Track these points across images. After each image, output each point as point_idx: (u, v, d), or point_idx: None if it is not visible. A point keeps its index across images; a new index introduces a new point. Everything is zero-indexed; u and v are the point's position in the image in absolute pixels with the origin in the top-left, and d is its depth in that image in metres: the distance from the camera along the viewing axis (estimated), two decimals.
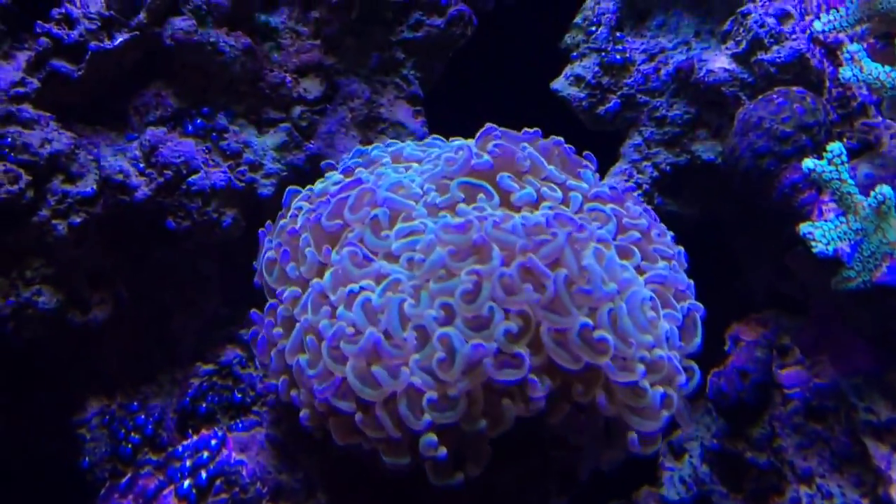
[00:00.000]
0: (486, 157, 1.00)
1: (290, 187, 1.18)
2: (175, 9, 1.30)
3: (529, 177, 1.00)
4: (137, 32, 1.28)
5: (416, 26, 1.54)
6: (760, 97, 1.22)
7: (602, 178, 1.48)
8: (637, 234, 0.97)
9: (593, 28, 1.44)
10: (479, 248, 0.88)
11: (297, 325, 0.96)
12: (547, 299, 0.86)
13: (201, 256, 1.43)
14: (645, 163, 1.39)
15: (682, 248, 1.05)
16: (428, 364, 0.86)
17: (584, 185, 1.02)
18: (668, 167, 1.38)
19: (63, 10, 1.28)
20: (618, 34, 1.44)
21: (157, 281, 1.43)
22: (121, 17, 1.28)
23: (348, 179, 1.05)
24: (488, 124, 1.11)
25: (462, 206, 0.95)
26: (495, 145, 1.02)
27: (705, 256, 1.26)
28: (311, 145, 1.44)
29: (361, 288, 0.92)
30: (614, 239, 0.95)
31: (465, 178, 1.00)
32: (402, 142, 1.50)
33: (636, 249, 0.95)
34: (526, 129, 1.14)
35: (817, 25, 1.21)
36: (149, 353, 1.39)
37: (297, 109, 1.45)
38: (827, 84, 1.26)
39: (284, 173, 1.40)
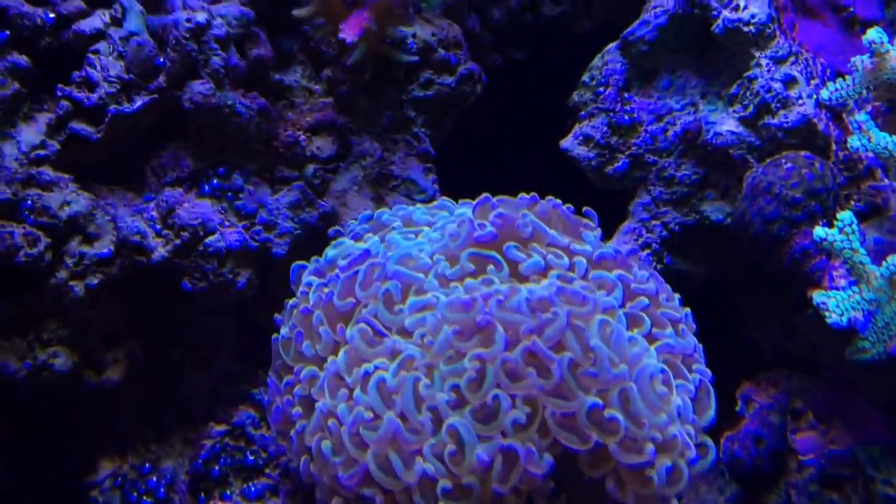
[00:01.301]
0: (490, 227, 1.02)
1: (296, 263, 1.19)
2: (194, 72, 1.32)
3: (534, 243, 1.02)
4: (156, 96, 1.31)
5: (426, 85, 1.57)
6: (769, 161, 1.24)
7: (611, 235, 1.50)
8: (646, 301, 0.98)
9: (601, 89, 1.47)
10: (483, 330, 0.89)
11: (316, 407, 0.96)
12: (552, 385, 0.88)
13: (212, 312, 1.44)
14: (654, 222, 1.41)
15: (689, 311, 1.06)
16: (441, 451, 0.88)
17: (588, 248, 1.03)
18: (676, 227, 1.40)
19: (83, 74, 1.31)
20: (626, 95, 1.46)
21: (169, 337, 1.44)
22: (140, 80, 1.30)
23: (357, 252, 1.06)
24: (484, 195, 1.13)
25: (470, 280, 0.96)
26: (496, 215, 1.04)
27: (713, 313, 1.27)
28: (324, 203, 1.46)
29: (376, 367, 0.93)
30: (622, 306, 0.97)
31: (473, 249, 1.01)
32: (413, 200, 1.53)
33: (645, 316, 0.97)
34: (523, 194, 1.16)
35: (824, 94, 1.24)
36: (161, 411, 1.39)
37: (311, 168, 1.47)
38: (833, 147, 1.28)
39: (298, 231, 1.41)
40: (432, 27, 1.60)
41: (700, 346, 1.05)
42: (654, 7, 1.46)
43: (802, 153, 1.23)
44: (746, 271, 1.34)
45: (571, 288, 0.93)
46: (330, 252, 1.16)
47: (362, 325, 0.96)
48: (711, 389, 1.00)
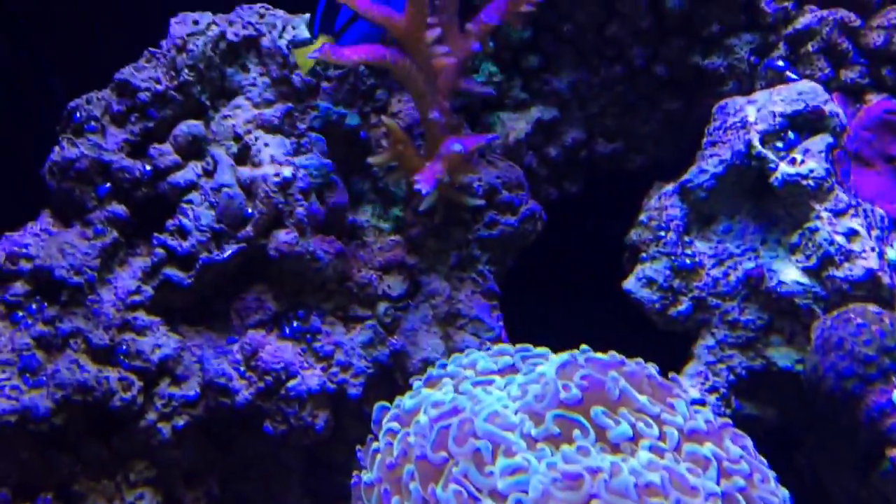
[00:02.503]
0: (575, 390, 1.05)
1: (380, 403, 1.23)
2: (279, 222, 1.40)
3: (622, 409, 1.04)
4: (244, 245, 1.39)
5: (491, 225, 1.64)
6: (837, 314, 1.28)
7: (677, 376, 1.52)
8: (741, 482, 0.99)
9: (662, 233, 1.53)
10: None
11: None
12: None
13: (284, 448, 1.47)
14: (720, 366, 1.44)
15: (786, 493, 1.07)
16: None
17: (679, 420, 1.05)
18: (743, 371, 1.42)
19: (177, 223, 1.39)
20: (686, 239, 1.52)
21: (241, 471, 1.47)
22: (230, 229, 1.39)
23: (446, 405, 1.09)
24: (569, 355, 1.15)
25: (567, 448, 0.98)
26: (582, 377, 1.07)
27: (784, 458, 1.28)
28: (395, 342, 1.51)
29: None
30: (717, 484, 0.98)
31: (558, 411, 1.04)
32: (481, 338, 1.57)
33: (742, 500, 0.97)
34: (614, 353, 1.18)
35: (891, 254, 1.28)
36: None
37: (382, 307, 1.53)
38: None
39: (371, 370, 1.46)
40: (496, 170, 1.69)
41: None
42: (711, 155, 1.53)
43: (871, 307, 1.26)
44: (819, 419, 1.35)
45: (678, 471, 0.95)
46: (408, 402, 1.19)
47: (455, 486, 0.99)
48: None
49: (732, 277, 1.46)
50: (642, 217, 1.63)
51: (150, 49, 1.47)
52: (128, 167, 1.40)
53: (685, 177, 1.56)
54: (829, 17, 1.59)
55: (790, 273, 1.38)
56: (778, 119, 1.45)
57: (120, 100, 1.43)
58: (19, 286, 1.33)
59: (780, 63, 1.62)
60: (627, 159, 1.99)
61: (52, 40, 1.90)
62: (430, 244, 1.60)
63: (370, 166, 1.61)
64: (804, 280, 1.37)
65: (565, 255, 1.99)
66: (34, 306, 1.31)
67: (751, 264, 1.45)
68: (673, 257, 1.51)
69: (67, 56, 1.88)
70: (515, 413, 1.07)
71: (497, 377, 1.17)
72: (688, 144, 1.92)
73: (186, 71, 1.45)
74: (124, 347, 1.28)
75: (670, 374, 1.22)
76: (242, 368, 1.35)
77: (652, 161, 1.99)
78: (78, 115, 1.40)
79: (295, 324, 1.41)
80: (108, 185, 1.39)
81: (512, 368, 1.21)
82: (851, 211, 1.36)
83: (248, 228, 1.39)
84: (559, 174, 1.98)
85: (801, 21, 1.61)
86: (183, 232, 1.38)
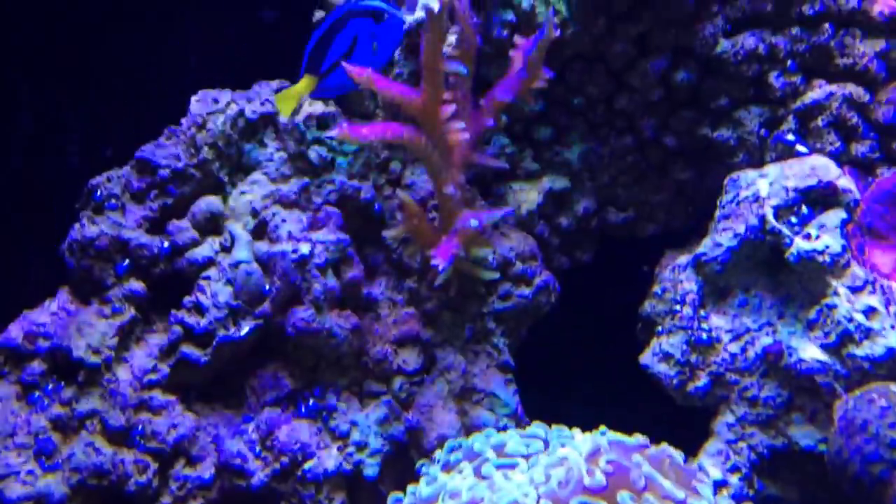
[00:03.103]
0: (600, 476, 1.04)
1: (394, 495, 1.21)
2: (297, 299, 1.40)
3: (648, 495, 1.03)
4: (261, 322, 1.39)
5: (506, 297, 1.64)
6: (860, 394, 1.27)
7: (695, 453, 1.50)
8: None
9: (678, 307, 1.52)
10: None
11: None
12: None
13: None
14: (741, 444, 1.42)
15: None
16: None
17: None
18: (765, 451, 1.41)
19: (195, 300, 1.40)
20: (702, 313, 1.52)
21: None
22: (247, 306, 1.39)
23: (465, 497, 1.08)
24: (595, 441, 1.14)
25: None
26: (608, 461, 1.06)
27: None
28: (410, 418, 1.49)
29: None
30: None
31: (583, 497, 1.03)
32: (496, 413, 1.56)
33: None
34: (639, 435, 1.17)
35: None
36: None
37: (398, 382, 1.52)
38: None
39: (386, 448, 1.44)
40: (510, 241, 1.70)
41: None
42: (724, 229, 1.54)
43: (893, 387, 1.25)
44: (840, 500, 1.33)
45: None
46: (425, 490, 1.17)
47: None
48: None
49: (751, 353, 1.45)
50: (656, 289, 1.63)
51: (171, 127, 1.49)
52: (146, 244, 1.41)
53: (699, 250, 1.56)
54: (838, 92, 1.61)
55: (809, 350, 1.37)
56: (791, 194, 1.46)
57: (140, 177, 1.45)
58: (36, 365, 1.32)
59: (791, 136, 1.64)
60: (639, 228, 2.00)
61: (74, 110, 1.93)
62: (445, 317, 1.60)
63: (384, 239, 1.62)
64: (824, 358, 1.36)
65: (579, 325, 1.99)
66: (50, 386, 1.30)
67: (769, 340, 1.44)
68: (689, 332, 1.50)
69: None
70: (538, 501, 1.05)
71: (521, 460, 1.16)
72: (699, 213, 1.93)
73: (206, 149, 1.47)
74: (140, 429, 1.27)
75: (696, 462, 1.20)
76: (258, 449, 1.34)
77: (664, 229, 2.00)
78: (98, 193, 1.42)
79: (311, 402, 1.40)
80: (127, 262, 1.40)
81: (540, 450, 1.19)
82: (869, 287, 1.36)
83: (266, 305, 1.39)
84: (571, 243, 1.99)
85: (810, 96, 1.63)
86: (200, 309, 1.38)
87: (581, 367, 1.95)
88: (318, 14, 1.80)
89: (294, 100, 1.48)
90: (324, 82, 1.49)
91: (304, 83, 1.48)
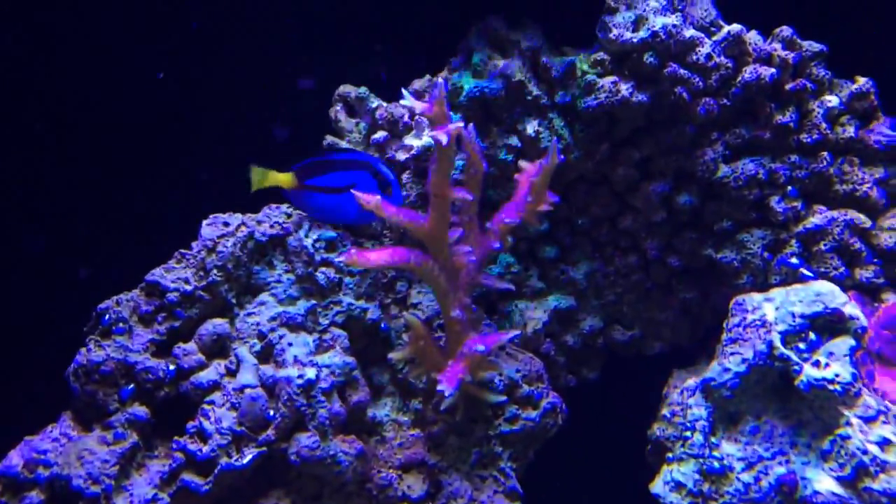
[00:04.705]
0: None
1: None
2: (301, 425, 1.39)
3: None
4: (265, 449, 1.36)
5: (512, 420, 1.62)
6: None
7: None
8: None
9: (688, 433, 1.50)
10: None
11: None
12: None
13: None
14: None
15: None
16: None
17: None
18: None
19: (198, 425, 1.38)
20: (713, 440, 1.49)
21: None
22: (251, 432, 1.37)
23: None
24: None
25: None
26: None
27: None
28: None
29: None
30: None
31: None
32: None
33: None
34: None
35: None
36: None
37: None
38: None
39: None
40: (516, 363, 1.69)
41: None
42: (732, 353, 1.53)
43: None
44: None
45: None
46: None
47: None
48: None
49: (764, 483, 1.42)
50: (665, 412, 1.61)
51: (181, 251, 1.51)
52: (152, 368, 1.41)
53: (707, 374, 1.55)
54: (840, 218, 1.64)
55: (825, 482, 1.34)
56: (798, 320, 1.46)
57: (149, 301, 1.46)
58: (35, 496, 1.29)
59: (795, 260, 1.66)
60: (646, 345, 1.99)
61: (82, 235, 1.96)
62: (451, 441, 1.57)
63: (391, 360, 1.62)
64: (840, 491, 1.33)
65: (587, 445, 1.95)
66: None
67: (782, 469, 1.41)
68: (701, 460, 1.47)
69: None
70: None
71: None
72: (705, 331, 1.93)
73: (215, 272, 1.49)
74: None
75: None
76: None
77: (670, 347, 1.99)
78: (107, 317, 1.42)
79: None
80: (132, 386, 1.39)
81: None
82: (882, 418, 1.34)
83: (270, 432, 1.37)
84: (577, 361, 1.98)
85: (812, 221, 1.66)
86: (203, 435, 1.36)
87: (589, 489, 1.90)
88: (329, 138, 1.86)
89: (267, 181, 1.55)
90: (301, 193, 1.56)
91: (287, 177, 1.56)
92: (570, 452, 1.92)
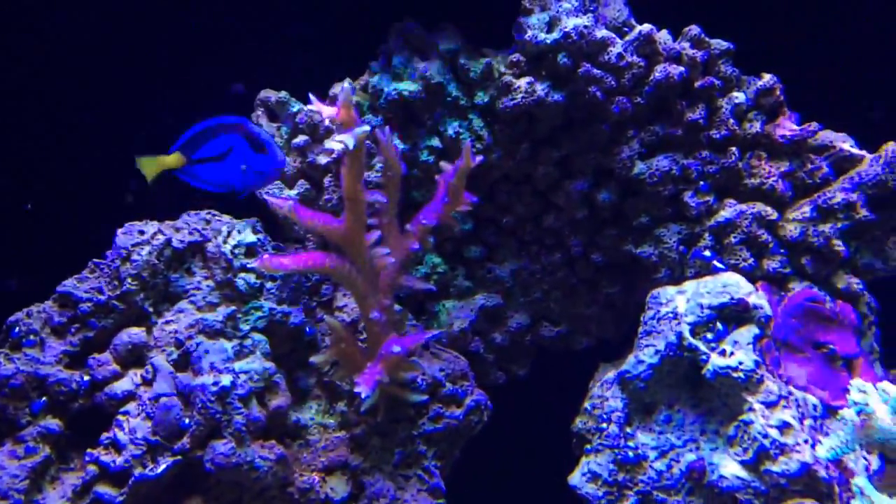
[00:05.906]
0: None
1: None
2: (217, 432, 1.39)
3: None
4: (180, 457, 1.36)
5: (436, 419, 1.64)
6: None
7: None
8: None
9: (605, 425, 1.53)
10: None
11: None
12: None
13: None
14: None
15: None
16: None
17: None
18: None
19: (112, 437, 1.37)
20: (628, 431, 1.52)
21: None
22: (165, 442, 1.36)
23: None
24: None
25: None
26: None
27: None
28: None
29: None
30: None
31: None
32: None
33: None
34: None
35: (820, 453, 1.30)
36: None
37: None
38: (837, 490, 1.32)
39: None
40: (440, 362, 1.71)
41: None
42: (646, 345, 1.57)
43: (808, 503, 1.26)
44: None
45: None
46: None
47: None
48: None
49: (676, 470, 1.46)
50: (587, 404, 1.64)
51: (95, 260, 1.50)
52: (65, 380, 1.40)
53: (623, 367, 1.58)
54: (748, 211, 1.68)
55: (730, 467, 1.38)
56: (706, 311, 1.50)
57: (61, 311, 1.45)
58: None
59: (707, 253, 1.71)
60: (573, 341, 2.02)
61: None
62: (374, 442, 1.58)
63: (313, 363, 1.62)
64: (743, 474, 1.37)
65: (511, 440, 1.98)
66: None
67: (692, 456, 1.45)
68: (616, 450, 1.50)
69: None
70: None
71: None
72: (629, 325, 1.97)
73: (129, 280, 1.48)
74: None
75: None
76: None
77: (597, 342, 2.03)
78: (17, 329, 1.41)
79: None
80: (44, 399, 1.38)
81: None
82: (783, 402, 1.39)
83: (185, 440, 1.37)
84: (507, 358, 2.01)
85: (723, 215, 1.71)
86: (117, 446, 1.36)
87: (518, 484, 1.93)
88: None
89: (158, 167, 1.55)
90: (193, 167, 1.56)
91: (174, 158, 1.56)
92: (500, 449, 1.94)
